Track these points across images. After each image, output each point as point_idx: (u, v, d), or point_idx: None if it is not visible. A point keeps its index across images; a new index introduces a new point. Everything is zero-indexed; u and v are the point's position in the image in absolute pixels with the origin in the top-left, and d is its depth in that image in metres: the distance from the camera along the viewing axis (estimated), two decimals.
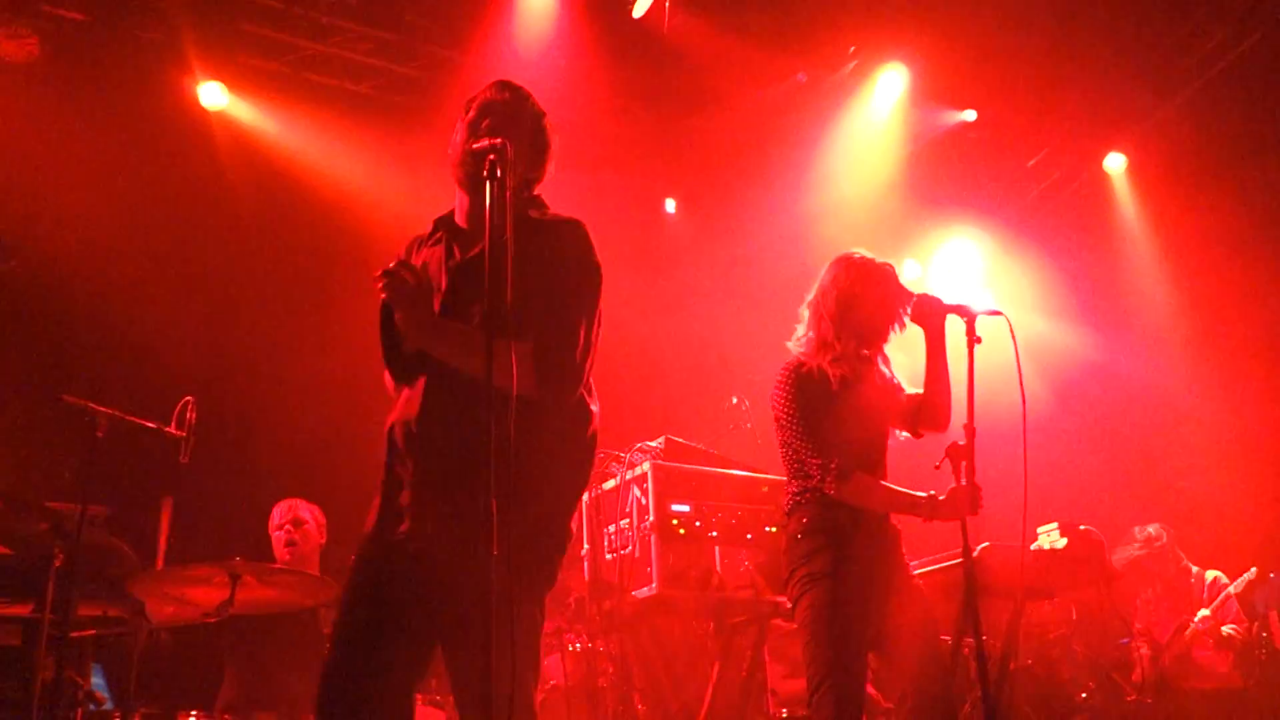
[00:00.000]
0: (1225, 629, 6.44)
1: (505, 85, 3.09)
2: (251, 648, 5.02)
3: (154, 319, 6.20)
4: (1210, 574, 6.76)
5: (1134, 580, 6.55)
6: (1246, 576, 6.46)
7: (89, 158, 6.18)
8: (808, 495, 3.83)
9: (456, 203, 3.06)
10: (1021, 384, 3.68)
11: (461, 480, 2.65)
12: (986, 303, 3.89)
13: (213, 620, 4.79)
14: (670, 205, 8.35)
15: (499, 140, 2.70)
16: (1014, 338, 3.68)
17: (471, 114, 3.01)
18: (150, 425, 4.32)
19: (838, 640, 3.66)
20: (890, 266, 4.02)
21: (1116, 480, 7.62)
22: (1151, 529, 6.80)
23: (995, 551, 4.35)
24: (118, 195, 6.20)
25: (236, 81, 6.92)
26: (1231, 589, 6.50)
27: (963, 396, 3.69)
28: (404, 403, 2.88)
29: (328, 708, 2.73)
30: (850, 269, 3.97)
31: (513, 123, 2.96)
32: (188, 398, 4.39)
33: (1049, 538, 4.50)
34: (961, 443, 3.64)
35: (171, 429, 4.36)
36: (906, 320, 3.94)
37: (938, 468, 3.70)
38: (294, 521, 5.36)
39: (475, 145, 2.78)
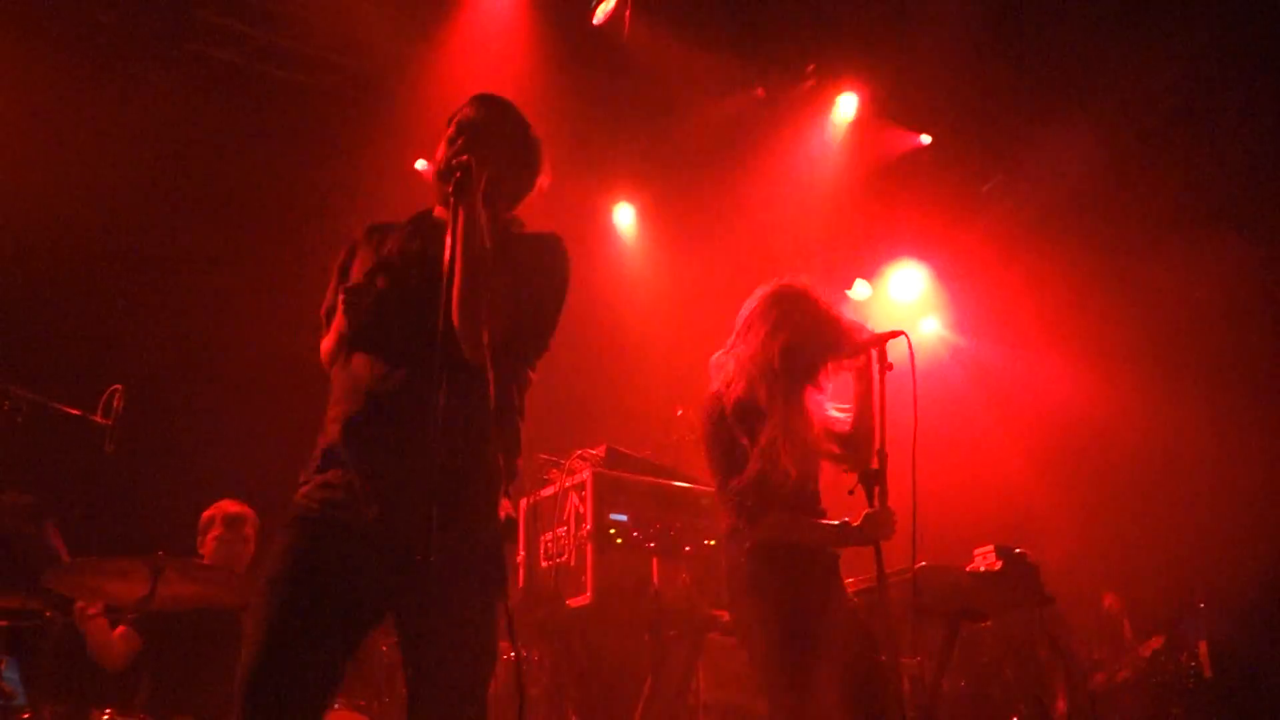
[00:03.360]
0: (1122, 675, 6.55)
1: (483, 101, 3.08)
2: (170, 646, 4.88)
3: (87, 305, 6.06)
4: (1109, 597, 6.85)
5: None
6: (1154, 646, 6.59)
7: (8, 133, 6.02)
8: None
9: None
10: (915, 402, 3.70)
11: (431, 459, 2.58)
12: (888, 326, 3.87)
13: (131, 616, 4.70)
14: (622, 213, 8.29)
15: (465, 158, 2.75)
16: (912, 356, 3.73)
17: (450, 130, 3.03)
18: (74, 412, 4.21)
19: (800, 670, 3.58)
20: (832, 302, 3.92)
21: (1054, 504, 7.67)
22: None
23: (931, 572, 4.34)
24: (44, 172, 6.04)
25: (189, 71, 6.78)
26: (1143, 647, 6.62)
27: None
28: (367, 383, 2.81)
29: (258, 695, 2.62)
30: (785, 300, 3.89)
31: (488, 140, 2.96)
32: (116, 386, 4.29)
33: (985, 559, 4.49)
34: (874, 468, 3.66)
35: (97, 417, 4.26)
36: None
37: (851, 493, 3.71)
38: (226, 520, 5.21)
39: (447, 163, 2.86)
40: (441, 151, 3.00)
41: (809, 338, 3.82)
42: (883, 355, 3.75)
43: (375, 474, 2.73)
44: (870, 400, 3.83)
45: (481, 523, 2.74)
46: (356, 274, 2.95)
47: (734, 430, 3.74)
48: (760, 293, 3.95)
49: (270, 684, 2.61)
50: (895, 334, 3.80)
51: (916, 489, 3.71)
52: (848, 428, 3.92)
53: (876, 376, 3.75)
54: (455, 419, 2.62)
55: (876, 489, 3.67)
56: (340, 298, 2.83)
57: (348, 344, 2.87)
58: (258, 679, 2.61)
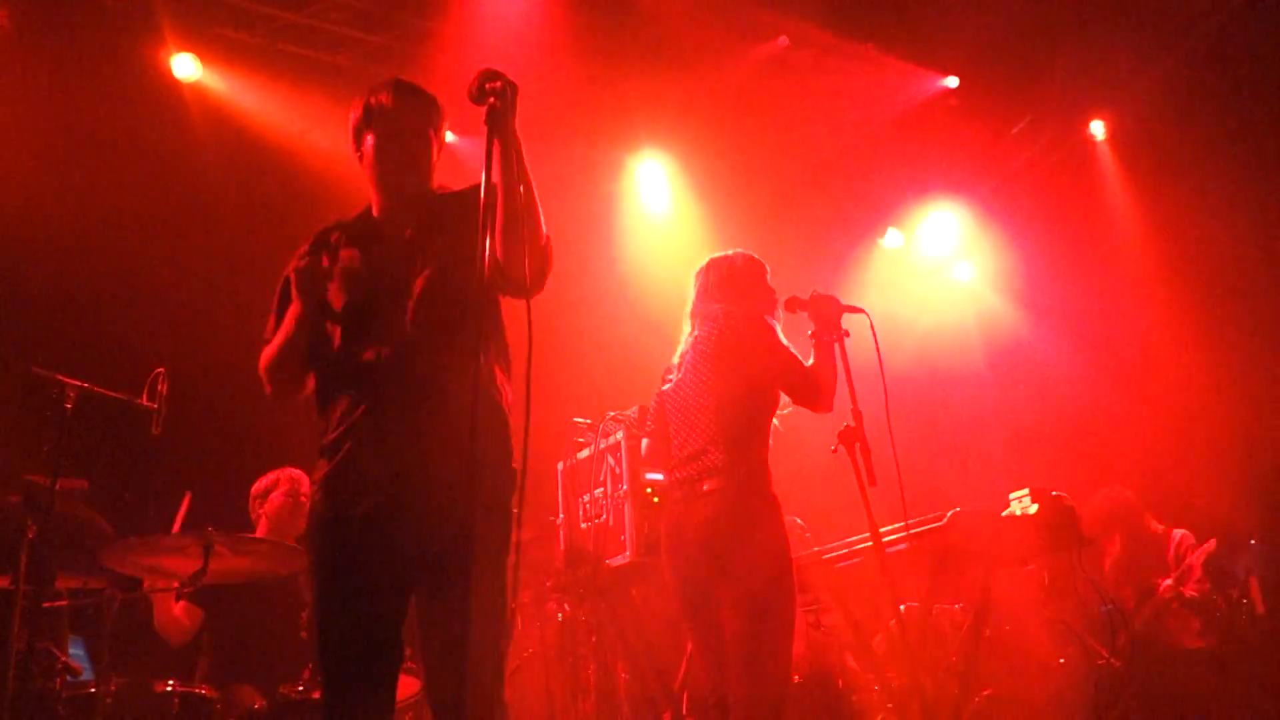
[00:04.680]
0: (1188, 593, 6.49)
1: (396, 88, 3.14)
2: (228, 618, 5.03)
3: (127, 292, 6.17)
4: (1178, 532, 6.80)
5: (1098, 541, 6.61)
6: (1205, 548, 6.53)
7: (57, 129, 6.12)
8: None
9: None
10: (884, 377, 4.02)
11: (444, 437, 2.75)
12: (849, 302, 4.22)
13: (188, 590, 4.83)
14: (647, 170, 8.25)
15: (499, 83, 2.74)
16: (874, 335, 4.09)
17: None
18: (121, 397, 4.31)
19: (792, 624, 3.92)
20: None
21: (1090, 447, 7.63)
22: (1115, 490, 6.86)
23: (966, 517, 4.36)
24: (87, 167, 6.13)
25: (209, 52, 6.84)
26: (1192, 559, 6.56)
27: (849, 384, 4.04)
28: (354, 373, 2.93)
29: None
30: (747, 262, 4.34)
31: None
32: (159, 369, 4.38)
33: (1021, 504, 4.50)
34: (852, 424, 3.92)
35: (143, 400, 4.35)
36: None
37: (834, 451, 3.95)
38: (290, 481, 5.34)
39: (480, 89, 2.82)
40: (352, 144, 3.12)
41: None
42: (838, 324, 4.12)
43: (371, 465, 2.84)
44: (828, 358, 4.08)
45: (494, 481, 2.81)
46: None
47: None
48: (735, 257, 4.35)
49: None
50: (857, 310, 4.17)
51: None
52: None
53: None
54: (454, 395, 2.74)
55: (857, 444, 3.91)
56: (293, 280, 2.94)
57: (336, 330, 2.97)
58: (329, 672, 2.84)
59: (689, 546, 3.97)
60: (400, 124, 3.05)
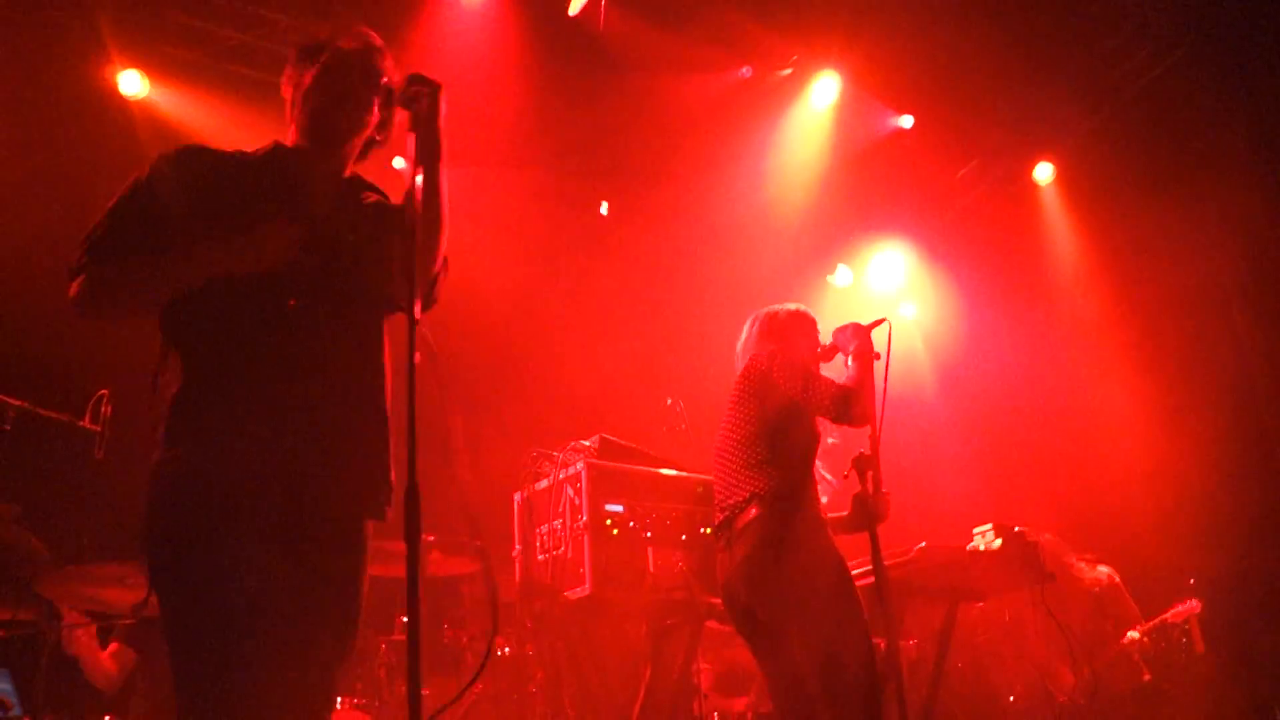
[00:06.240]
0: (1131, 634, 6.56)
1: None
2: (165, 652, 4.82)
3: (70, 312, 5.97)
4: (1103, 569, 6.86)
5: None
6: (1186, 609, 6.60)
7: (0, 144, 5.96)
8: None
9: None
10: (886, 384, 3.98)
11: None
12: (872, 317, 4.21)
13: (128, 622, 4.64)
14: (607, 204, 8.23)
15: (423, 86, 2.60)
16: (889, 343, 4.05)
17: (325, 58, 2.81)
18: (63, 418, 4.15)
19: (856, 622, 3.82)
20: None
21: (1044, 485, 7.69)
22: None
23: (932, 552, 4.34)
24: (30, 182, 5.97)
25: (157, 70, 6.72)
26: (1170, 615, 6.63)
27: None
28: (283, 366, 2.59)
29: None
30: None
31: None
32: (102, 391, 4.23)
33: (984, 539, 4.49)
34: (867, 452, 3.85)
35: (85, 423, 4.19)
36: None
37: (845, 477, 3.89)
38: None
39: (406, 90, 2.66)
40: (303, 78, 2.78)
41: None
42: (871, 345, 4.05)
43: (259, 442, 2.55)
44: (866, 374, 4.02)
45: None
46: (184, 205, 2.62)
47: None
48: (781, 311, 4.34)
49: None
50: (879, 322, 4.13)
51: (906, 473, 3.80)
52: None
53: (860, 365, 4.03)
54: (344, 375, 2.63)
55: (869, 473, 3.83)
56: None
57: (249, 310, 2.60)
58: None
59: (727, 590, 3.95)
60: (350, 62, 2.78)
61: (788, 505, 3.87)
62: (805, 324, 4.31)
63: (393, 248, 2.61)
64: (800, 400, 3.95)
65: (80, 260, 2.62)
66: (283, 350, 2.60)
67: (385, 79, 2.81)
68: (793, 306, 4.36)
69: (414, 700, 2.12)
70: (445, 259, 2.74)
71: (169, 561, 2.47)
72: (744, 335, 4.36)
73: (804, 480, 3.98)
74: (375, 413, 2.68)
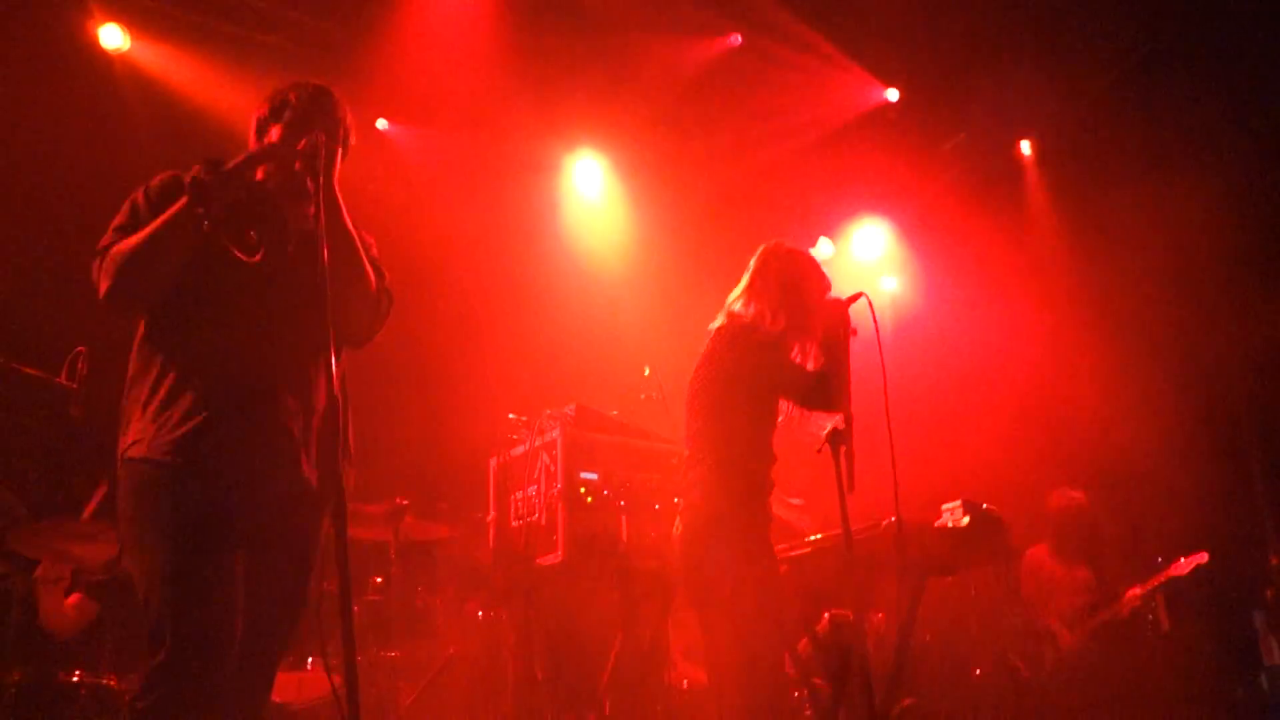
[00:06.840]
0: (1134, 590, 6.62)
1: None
2: (135, 607, 4.84)
3: (49, 267, 5.94)
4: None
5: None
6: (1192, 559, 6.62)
7: None
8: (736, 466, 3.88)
9: None
10: (882, 359, 3.83)
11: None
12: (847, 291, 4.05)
13: (99, 579, 4.66)
14: (586, 169, 8.18)
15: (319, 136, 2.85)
16: (874, 316, 3.85)
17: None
18: (38, 375, 4.13)
19: (775, 622, 3.79)
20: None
21: (1021, 461, 7.74)
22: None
23: (900, 527, 4.36)
24: (8, 136, 5.91)
25: (139, 24, 6.63)
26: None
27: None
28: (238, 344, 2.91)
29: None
30: (791, 258, 4.12)
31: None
32: (80, 348, 4.20)
33: (953, 515, 4.52)
34: (841, 428, 3.76)
35: (62, 380, 4.17)
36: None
37: (819, 451, 3.80)
38: None
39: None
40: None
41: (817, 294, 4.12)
42: (847, 322, 3.93)
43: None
44: (831, 359, 3.96)
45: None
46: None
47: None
48: (766, 251, 4.17)
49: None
50: (856, 297, 3.94)
51: (893, 446, 3.80)
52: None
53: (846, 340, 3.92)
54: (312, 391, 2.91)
55: (842, 449, 3.76)
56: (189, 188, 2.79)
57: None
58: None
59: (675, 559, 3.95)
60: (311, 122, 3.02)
61: (732, 472, 3.88)
62: (800, 275, 4.15)
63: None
64: (771, 379, 3.95)
65: (97, 263, 3.01)
66: (243, 348, 2.92)
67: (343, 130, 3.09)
68: (796, 249, 4.20)
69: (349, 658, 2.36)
70: (380, 289, 3.01)
71: (134, 546, 2.92)
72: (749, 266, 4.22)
73: (755, 452, 3.97)
74: (330, 402, 2.76)
